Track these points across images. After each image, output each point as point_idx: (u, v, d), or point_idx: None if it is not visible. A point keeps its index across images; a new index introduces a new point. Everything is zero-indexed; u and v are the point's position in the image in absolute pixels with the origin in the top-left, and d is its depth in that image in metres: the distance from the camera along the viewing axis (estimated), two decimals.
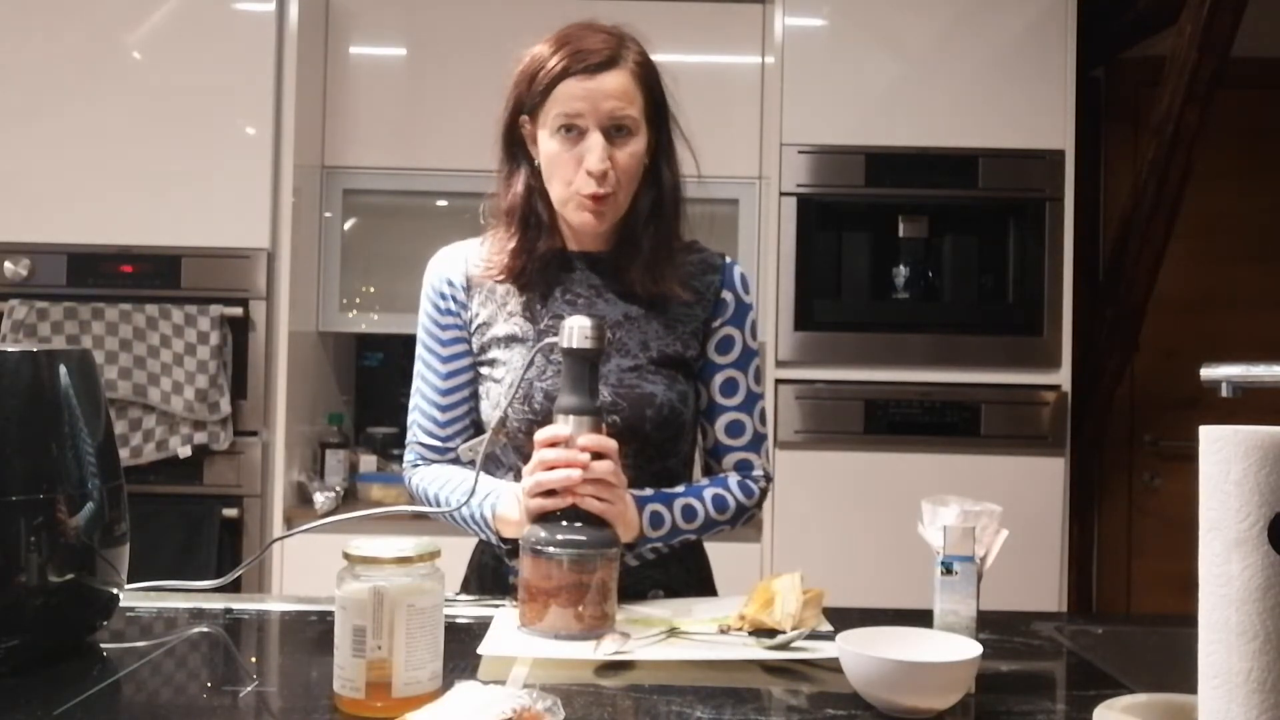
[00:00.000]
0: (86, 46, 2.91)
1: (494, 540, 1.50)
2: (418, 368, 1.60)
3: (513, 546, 1.47)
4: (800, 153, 2.98)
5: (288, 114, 2.93)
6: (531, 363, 1.47)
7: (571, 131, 1.46)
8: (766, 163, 3.06)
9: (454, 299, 1.57)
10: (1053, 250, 2.97)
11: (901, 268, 3.03)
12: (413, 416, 1.61)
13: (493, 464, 1.56)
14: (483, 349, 1.56)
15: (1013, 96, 2.98)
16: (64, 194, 2.90)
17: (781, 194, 2.98)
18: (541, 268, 1.54)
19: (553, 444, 1.34)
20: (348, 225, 3.20)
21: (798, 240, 2.97)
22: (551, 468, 1.33)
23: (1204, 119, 2.93)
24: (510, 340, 1.54)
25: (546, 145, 1.49)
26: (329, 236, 3.17)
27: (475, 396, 1.58)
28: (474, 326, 1.57)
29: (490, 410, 1.54)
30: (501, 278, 1.55)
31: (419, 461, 1.61)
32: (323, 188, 3.16)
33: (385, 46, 3.22)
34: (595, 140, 1.45)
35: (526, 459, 1.38)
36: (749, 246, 3.11)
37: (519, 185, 1.54)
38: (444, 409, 1.58)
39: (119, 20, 2.92)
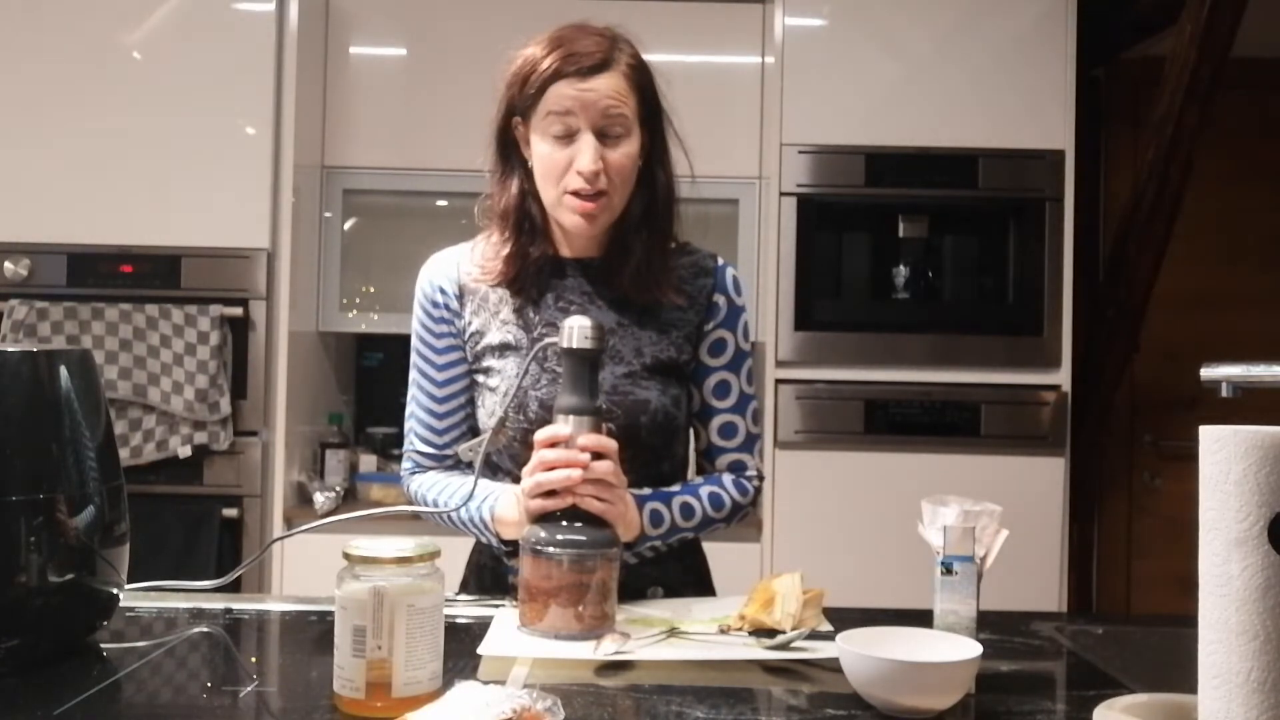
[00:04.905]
0: (86, 46, 2.91)
1: (494, 542, 1.50)
2: (413, 376, 1.60)
3: (512, 548, 1.47)
4: (800, 153, 2.98)
5: (288, 114, 2.94)
6: (527, 370, 1.47)
7: (564, 133, 1.46)
8: (766, 163, 3.06)
9: (447, 307, 1.57)
10: (1053, 250, 2.97)
11: (901, 268, 3.03)
12: (409, 425, 1.61)
13: (489, 470, 1.55)
14: (477, 358, 1.56)
15: (1013, 96, 2.98)
16: (64, 194, 2.90)
17: (781, 194, 2.98)
18: (535, 273, 1.54)
19: (552, 444, 1.34)
20: (348, 225, 3.20)
21: (798, 240, 2.97)
22: (551, 468, 1.33)
23: (1204, 119, 2.93)
24: (504, 348, 1.54)
25: (539, 147, 1.48)
26: (329, 236, 3.17)
27: (471, 403, 1.58)
28: (467, 335, 1.57)
29: (486, 418, 1.54)
30: (495, 282, 1.55)
31: (416, 470, 1.61)
32: (323, 188, 3.16)
33: (385, 46, 3.22)
34: (587, 140, 1.45)
35: (523, 466, 1.38)
36: (749, 246, 3.11)
37: (512, 188, 1.54)
38: (440, 416, 1.58)
39: (119, 20, 2.92)
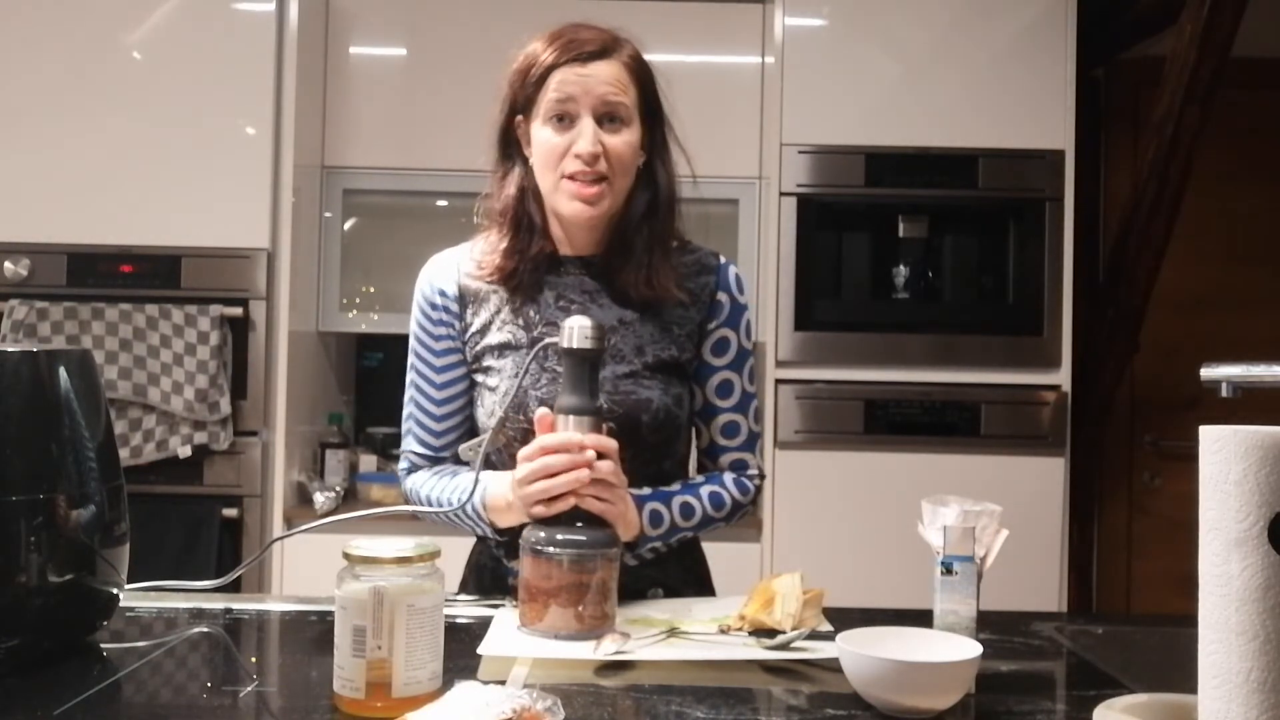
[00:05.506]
0: (86, 46, 2.91)
1: (488, 532, 1.50)
2: (411, 377, 1.59)
3: (508, 537, 1.47)
4: (800, 153, 2.98)
5: (288, 114, 2.94)
6: (527, 370, 1.46)
7: (563, 120, 1.46)
8: (766, 163, 3.06)
9: (446, 309, 1.57)
10: (1053, 250, 2.97)
11: (901, 268, 3.03)
12: (406, 425, 1.60)
13: (488, 470, 1.54)
14: (477, 357, 1.56)
15: (1012, 97, 2.98)
16: (64, 194, 2.90)
17: (781, 194, 2.98)
18: (533, 270, 1.53)
19: (559, 449, 1.33)
20: (348, 225, 3.20)
21: (798, 240, 2.97)
22: (555, 473, 1.32)
23: (1204, 119, 2.93)
24: (504, 348, 1.53)
25: (538, 134, 1.48)
26: (329, 236, 3.17)
27: (470, 405, 1.58)
28: (468, 335, 1.56)
29: (485, 418, 1.53)
30: (493, 279, 1.54)
31: (412, 470, 1.60)
32: (323, 188, 3.16)
33: (385, 46, 3.22)
34: (586, 124, 1.45)
35: None
36: (749, 246, 3.11)
37: (512, 186, 1.54)
38: (438, 419, 1.58)
39: (119, 20, 2.92)
